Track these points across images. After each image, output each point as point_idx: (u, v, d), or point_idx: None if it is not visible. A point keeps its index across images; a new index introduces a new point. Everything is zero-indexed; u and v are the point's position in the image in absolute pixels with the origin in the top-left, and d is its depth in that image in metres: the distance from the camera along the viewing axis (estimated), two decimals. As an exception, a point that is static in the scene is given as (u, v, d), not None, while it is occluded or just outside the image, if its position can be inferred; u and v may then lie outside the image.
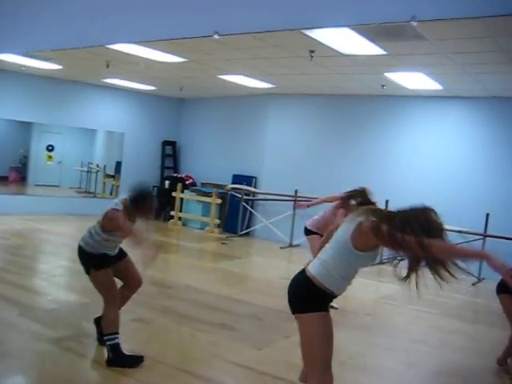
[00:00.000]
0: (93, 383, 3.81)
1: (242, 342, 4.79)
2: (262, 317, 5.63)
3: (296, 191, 10.62)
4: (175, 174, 13.49)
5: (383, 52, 6.78)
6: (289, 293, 2.89)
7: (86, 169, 14.91)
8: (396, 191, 9.03)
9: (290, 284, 2.92)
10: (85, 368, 4.02)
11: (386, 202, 8.45)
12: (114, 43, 3.32)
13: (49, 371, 3.83)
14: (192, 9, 2.39)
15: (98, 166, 14.64)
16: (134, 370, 3.89)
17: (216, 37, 2.29)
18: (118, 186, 13.42)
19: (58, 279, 6.64)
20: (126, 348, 4.00)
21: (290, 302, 2.87)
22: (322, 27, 5.07)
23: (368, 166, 10.31)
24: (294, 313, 2.86)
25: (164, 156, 13.90)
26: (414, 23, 4.57)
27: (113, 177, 13.91)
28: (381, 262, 8.16)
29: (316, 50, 6.90)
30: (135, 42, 4.15)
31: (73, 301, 5.69)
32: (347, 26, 5.35)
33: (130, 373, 3.84)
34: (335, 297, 2.89)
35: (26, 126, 13.04)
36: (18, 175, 14.21)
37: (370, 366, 4.56)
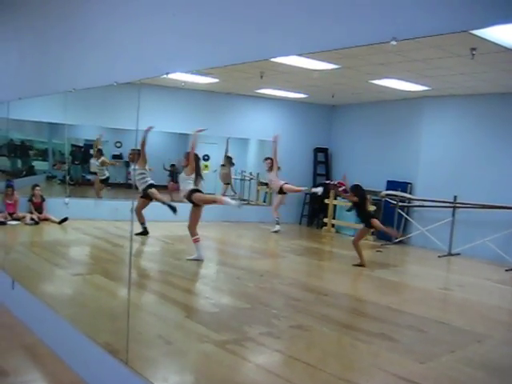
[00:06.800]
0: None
1: (404, 354, 4.62)
2: (424, 328, 5.38)
3: (455, 197, 10.09)
4: (327, 181, 13.48)
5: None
6: None
7: (239, 177, 15.42)
8: None
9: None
10: (250, 372, 4.11)
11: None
12: (286, 55, 3.32)
13: (215, 372, 3.97)
14: (367, 15, 2.33)
15: (251, 173, 15.07)
16: (297, 376, 3.91)
17: (393, 43, 2.20)
18: (271, 194, 13.70)
19: (218, 284, 6.90)
20: (286, 353, 4.02)
21: None
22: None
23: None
24: None
25: (316, 163, 13.97)
26: None
27: (266, 184, 14.22)
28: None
29: (478, 47, 6.52)
30: (304, 55, 4.11)
31: (233, 305, 5.87)
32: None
33: (292, 379, 3.86)
34: None
35: (183, 138, 13.81)
36: (175, 184, 15.08)
37: None
